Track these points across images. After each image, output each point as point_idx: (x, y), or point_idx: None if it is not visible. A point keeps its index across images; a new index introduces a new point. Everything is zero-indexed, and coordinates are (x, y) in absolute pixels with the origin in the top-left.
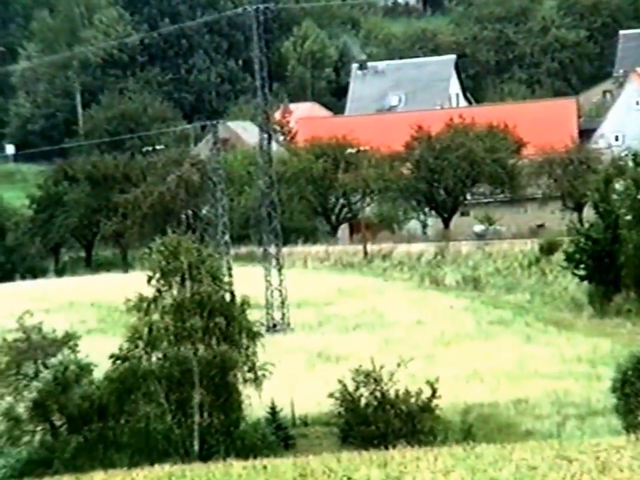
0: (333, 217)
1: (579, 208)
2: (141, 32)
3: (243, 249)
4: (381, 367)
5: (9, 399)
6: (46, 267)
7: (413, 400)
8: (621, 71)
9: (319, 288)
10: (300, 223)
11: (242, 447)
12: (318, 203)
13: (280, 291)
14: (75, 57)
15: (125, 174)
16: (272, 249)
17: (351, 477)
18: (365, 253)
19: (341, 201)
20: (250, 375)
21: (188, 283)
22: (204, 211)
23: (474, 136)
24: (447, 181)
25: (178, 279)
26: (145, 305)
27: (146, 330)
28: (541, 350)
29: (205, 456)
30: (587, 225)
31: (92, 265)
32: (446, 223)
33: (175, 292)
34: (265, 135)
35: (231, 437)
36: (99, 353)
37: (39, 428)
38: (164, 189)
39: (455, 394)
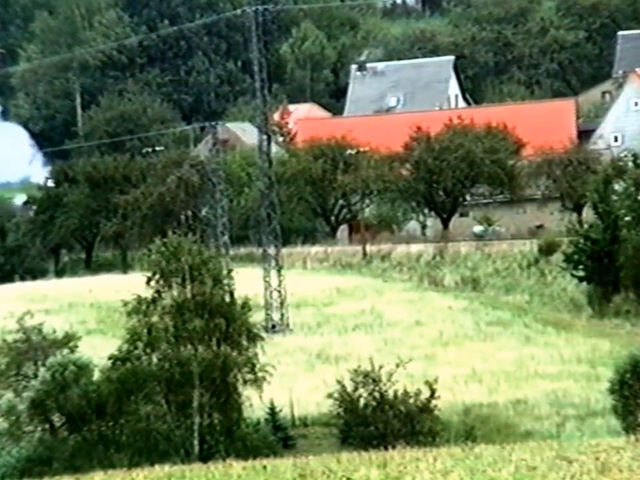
0: (332, 218)
1: (578, 209)
2: (140, 34)
3: (242, 250)
4: (380, 367)
5: (9, 395)
6: (46, 268)
7: (411, 400)
8: (620, 71)
9: (318, 288)
10: (299, 223)
11: (242, 447)
12: (317, 204)
13: (279, 291)
14: (75, 58)
15: (124, 175)
16: (271, 250)
17: (351, 477)
18: (364, 254)
19: (340, 201)
20: (250, 376)
21: (189, 284)
22: (203, 212)
23: (473, 137)
24: (446, 182)
25: (179, 279)
26: (144, 306)
27: (145, 331)
28: (540, 350)
29: (205, 456)
30: (586, 226)
31: (92, 266)
32: (445, 223)
33: (174, 293)
34: (264, 136)
35: (231, 437)
36: (99, 353)
37: (38, 428)
38: (164, 190)
39: (454, 394)
